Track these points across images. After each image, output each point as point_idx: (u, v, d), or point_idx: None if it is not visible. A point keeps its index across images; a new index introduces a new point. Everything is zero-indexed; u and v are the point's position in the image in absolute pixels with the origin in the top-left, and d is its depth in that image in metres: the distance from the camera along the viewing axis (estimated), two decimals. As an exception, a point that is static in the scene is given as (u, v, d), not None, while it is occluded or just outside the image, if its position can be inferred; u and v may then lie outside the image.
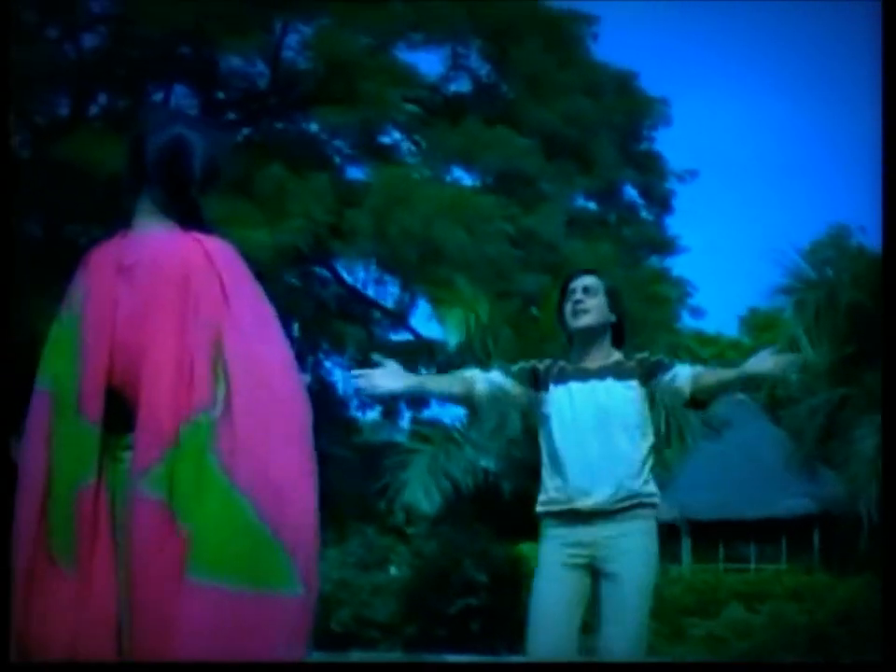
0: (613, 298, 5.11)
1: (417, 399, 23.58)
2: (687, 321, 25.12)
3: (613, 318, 5.09)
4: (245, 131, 20.61)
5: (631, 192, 23.44)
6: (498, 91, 21.35)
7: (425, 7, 19.04)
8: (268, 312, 3.05)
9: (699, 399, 4.97)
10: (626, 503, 4.81)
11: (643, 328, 18.49)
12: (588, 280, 5.12)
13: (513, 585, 20.20)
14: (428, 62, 30.53)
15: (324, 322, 22.84)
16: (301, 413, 2.99)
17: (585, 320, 5.03)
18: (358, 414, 24.51)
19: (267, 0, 17.26)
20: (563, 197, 21.20)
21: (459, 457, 17.18)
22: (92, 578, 2.93)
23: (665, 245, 22.88)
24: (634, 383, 4.94)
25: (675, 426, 18.09)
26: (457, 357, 17.46)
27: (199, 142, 3.12)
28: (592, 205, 23.46)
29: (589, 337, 5.06)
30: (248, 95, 20.88)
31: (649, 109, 22.51)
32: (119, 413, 2.96)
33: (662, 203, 23.06)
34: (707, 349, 28.12)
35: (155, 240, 3.04)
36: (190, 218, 3.10)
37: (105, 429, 2.96)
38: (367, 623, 19.76)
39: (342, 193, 17.91)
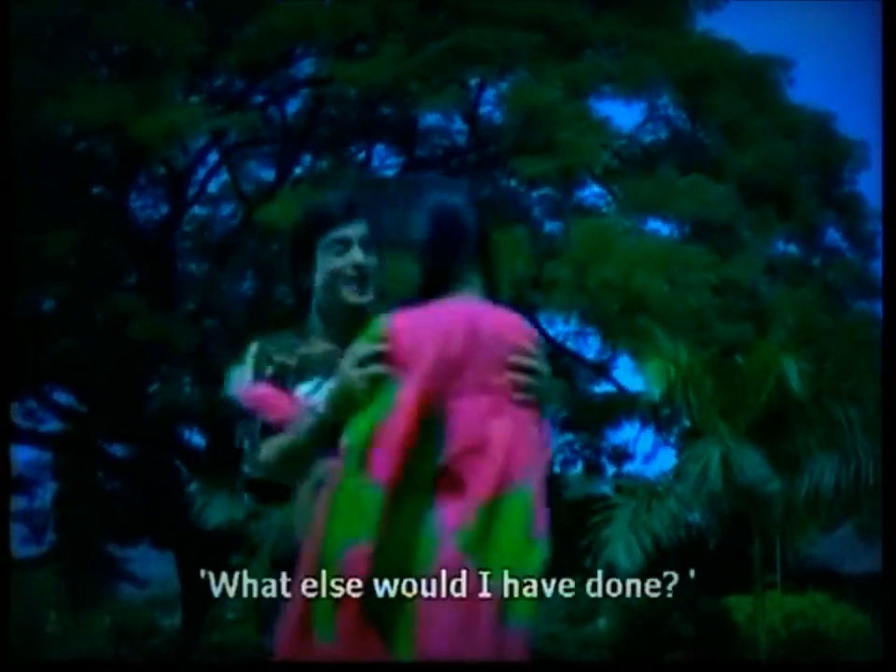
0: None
1: (620, 454, 23.49)
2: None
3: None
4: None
5: (834, 235, 22.91)
6: (695, 138, 21.18)
7: (617, 58, 19.06)
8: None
9: None
10: None
11: (854, 373, 18.03)
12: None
13: (720, 639, 19.84)
14: (623, 112, 30.55)
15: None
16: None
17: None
18: (563, 470, 24.38)
19: (463, 58, 17.49)
20: (762, 243, 20.85)
21: (662, 512, 16.89)
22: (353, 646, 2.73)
23: (874, 288, 22.24)
24: None
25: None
26: (661, 407, 17.27)
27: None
28: (793, 249, 23.00)
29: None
30: (448, 152, 21.18)
31: (848, 152, 22.04)
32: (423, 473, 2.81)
33: (867, 245, 22.45)
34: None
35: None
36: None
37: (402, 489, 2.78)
38: (576, 676, 19.64)
39: (541, 246, 17.94)
